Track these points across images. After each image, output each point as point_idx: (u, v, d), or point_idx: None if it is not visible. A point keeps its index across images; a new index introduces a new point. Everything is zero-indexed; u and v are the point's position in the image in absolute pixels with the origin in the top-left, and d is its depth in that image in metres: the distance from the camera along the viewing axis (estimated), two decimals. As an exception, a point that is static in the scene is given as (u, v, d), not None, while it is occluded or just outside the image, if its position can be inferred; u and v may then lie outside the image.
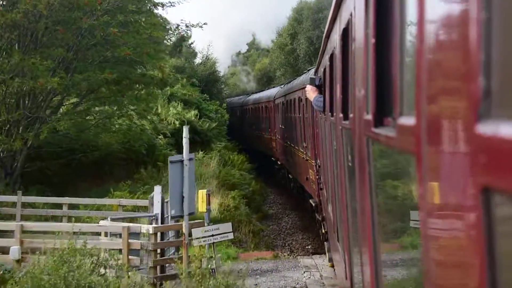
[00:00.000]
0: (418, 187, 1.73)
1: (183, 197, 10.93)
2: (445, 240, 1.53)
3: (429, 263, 1.64)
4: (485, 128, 1.17)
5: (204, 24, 27.04)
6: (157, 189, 13.66)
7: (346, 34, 4.54)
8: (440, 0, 1.53)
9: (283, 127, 25.22)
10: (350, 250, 5.00)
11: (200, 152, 25.17)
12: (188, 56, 45.04)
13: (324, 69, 9.00)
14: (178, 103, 29.47)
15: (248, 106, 40.52)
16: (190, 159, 11.17)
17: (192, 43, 48.86)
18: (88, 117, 22.68)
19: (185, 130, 11.49)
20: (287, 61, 49.13)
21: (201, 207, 12.63)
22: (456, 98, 1.38)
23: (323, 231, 12.44)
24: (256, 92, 43.74)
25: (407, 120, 1.93)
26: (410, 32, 2.02)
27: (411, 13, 1.97)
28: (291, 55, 48.42)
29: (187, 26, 27.18)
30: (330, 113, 7.46)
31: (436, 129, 1.54)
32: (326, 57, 8.12)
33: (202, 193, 12.78)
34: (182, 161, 11.11)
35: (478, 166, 1.21)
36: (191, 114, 29.68)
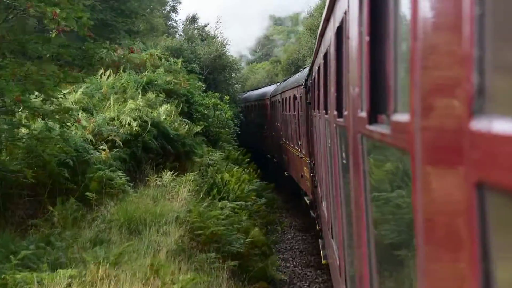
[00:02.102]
0: (412, 184, 1.74)
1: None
2: (440, 236, 1.54)
3: (424, 260, 1.65)
4: (479, 125, 1.18)
5: None
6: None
7: (340, 32, 4.56)
8: (434, -2, 1.54)
9: (279, 125, 25.25)
10: (344, 247, 5.02)
11: (168, 174, 14.55)
12: (191, 38, 36.67)
13: (319, 67, 9.02)
14: (156, 94, 18.82)
15: (247, 103, 37.59)
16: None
17: (205, 26, 41.06)
18: None
19: None
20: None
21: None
22: (449, 95, 1.39)
23: (318, 228, 12.45)
24: (252, 90, 42.02)
25: (401, 117, 1.93)
26: (404, 29, 2.03)
27: (405, 11, 1.98)
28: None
29: None
30: (324, 111, 7.48)
31: (430, 125, 1.55)
32: (321, 55, 8.14)
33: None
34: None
35: (472, 162, 1.22)
36: (161, 110, 17.57)
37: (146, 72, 20.79)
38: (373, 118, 2.60)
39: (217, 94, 28.05)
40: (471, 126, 1.21)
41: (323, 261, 10.26)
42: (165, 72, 22.57)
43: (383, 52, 2.42)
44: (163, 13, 41.51)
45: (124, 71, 19.49)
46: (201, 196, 14.09)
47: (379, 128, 2.43)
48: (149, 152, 15.25)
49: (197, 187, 14.69)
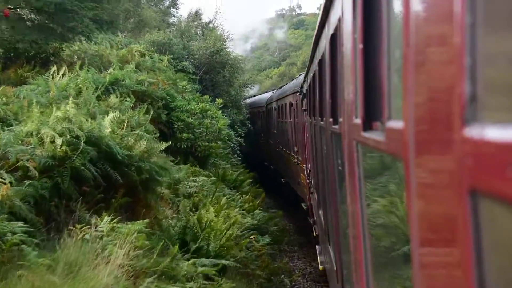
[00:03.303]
0: (406, 190, 1.75)
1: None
2: (434, 243, 1.55)
3: (419, 266, 1.66)
4: (471, 132, 1.19)
5: None
6: None
7: (334, 39, 4.57)
8: (426, 6, 1.56)
9: (275, 131, 25.28)
10: (341, 254, 5.02)
11: (105, 219, 8.80)
12: (185, 32, 30.52)
13: (314, 74, 9.04)
14: (123, 97, 14.47)
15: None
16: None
17: (209, 22, 33.93)
18: None
19: None
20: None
21: None
22: (442, 103, 1.40)
23: (314, 234, 12.45)
24: (250, 97, 40.70)
25: (396, 124, 1.94)
26: (397, 37, 2.04)
27: (398, 19, 1.99)
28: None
29: None
30: (320, 118, 7.50)
31: (423, 133, 1.55)
32: (316, 62, 8.16)
33: None
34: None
35: (465, 169, 1.23)
36: (107, 120, 11.36)
37: (111, 69, 15.98)
38: (367, 125, 2.61)
39: (206, 97, 20.92)
40: (464, 133, 1.22)
41: (320, 267, 10.25)
42: (144, 69, 17.96)
43: (377, 59, 2.43)
44: (161, 8, 37.35)
45: (81, 68, 15.16)
46: (153, 258, 8.41)
47: (374, 135, 2.44)
48: (82, 184, 9.57)
49: (147, 243, 8.69)
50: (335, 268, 6.05)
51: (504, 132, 1.04)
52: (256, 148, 32.06)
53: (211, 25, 33.37)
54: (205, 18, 34.93)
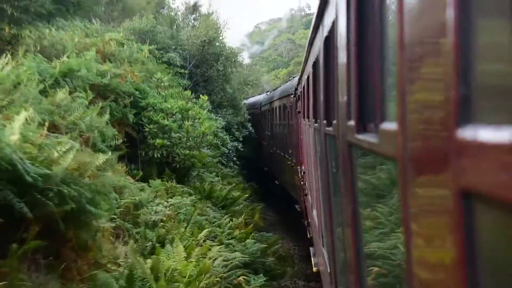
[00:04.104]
0: (400, 192, 1.75)
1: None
2: (427, 245, 1.55)
3: (411, 268, 1.66)
4: (465, 133, 1.19)
5: None
6: None
7: (328, 41, 4.58)
8: (420, 8, 1.56)
9: (269, 134, 25.28)
10: (335, 256, 5.02)
11: None
12: (174, 20, 26.59)
13: (308, 76, 9.06)
14: (79, 92, 11.76)
15: None
16: None
17: (210, 14, 28.34)
18: None
19: None
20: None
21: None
22: (436, 104, 1.41)
23: (309, 236, 12.46)
24: (250, 96, 39.81)
25: (389, 126, 1.95)
26: (391, 38, 2.04)
27: (392, 21, 2.00)
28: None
29: None
30: (314, 120, 7.51)
31: (417, 134, 1.56)
32: (310, 64, 8.17)
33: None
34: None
35: (458, 171, 1.23)
36: (16, 122, 7.31)
37: (65, 57, 12.76)
38: (361, 127, 2.62)
39: (188, 93, 17.30)
40: (458, 134, 1.22)
41: (314, 269, 10.26)
42: (119, 61, 14.76)
43: (370, 61, 2.44)
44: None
45: (25, 55, 12.34)
46: None
47: (368, 137, 2.44)
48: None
49: None
50: (328, 270, 6.05)
51: (498, 134, 1.04)
52: (249, 149, 31.99)
53: (205, 11, 28.56)
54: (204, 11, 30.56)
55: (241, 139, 24.37)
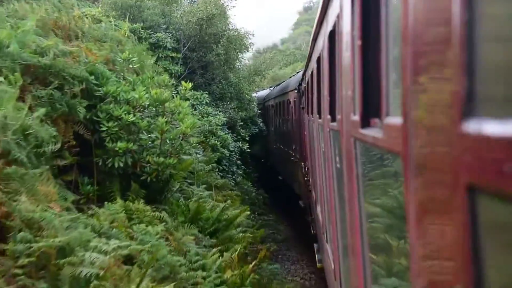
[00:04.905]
0: (405, 186, 1.75)
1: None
2: (432, 239, 1.55)
3: (416, 263, 1.66)
4: (469, 127, 1.19)
5: None
6: None
7: (332, 36, 4.57)
8: (424, 2, 1.56)
9: (272, 129, 25.28)
10: (339, 251, 5.02)
11: None
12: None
13: (312, 72, 9.05)
14: (5, 75, 7.86)
15: None
16: None
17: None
18: None
19: None
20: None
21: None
22: (441, 98, 1.40)
23: (312, 232, 12.47)
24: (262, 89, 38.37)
25: (394, 120, 1.94)
26: (396, 33, 2.04)
27: (396, 15, 1.99)
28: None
29: None
30: (318, 115, 7.50)
31: (422, 128, 1.56)
32: (314, 60, 8.16)
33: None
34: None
35: (463, 164, 1.23)
36: None
37: None
38: (366, 121, 2.61)
39: (164, 77, 12.11)
40: (462, 128, 1.22)
41: (318, 265, 10.27)
42: (90, 40, 11.55)
43: (375, 55, 2.43)
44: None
45: None
46: None
47: (372, 132, 2.44)
48: None
49: None
50: (333, 266, 6.05)
51: (502, 127, 1.04)
52: (255, 146, 31.93)
53: None
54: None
55: (247, 137, 20.74)
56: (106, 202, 8.92)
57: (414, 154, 1.62)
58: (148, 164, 9.89)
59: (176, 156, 10.34)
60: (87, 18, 13.27)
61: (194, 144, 12.80)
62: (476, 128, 1.16)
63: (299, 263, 15.36)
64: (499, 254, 1.19)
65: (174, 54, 18.73)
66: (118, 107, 9.78)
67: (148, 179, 9.85)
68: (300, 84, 15.38)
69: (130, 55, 11.66)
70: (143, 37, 17.85)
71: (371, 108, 2.55)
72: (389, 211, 2.52)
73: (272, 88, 28.94)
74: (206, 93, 18.51)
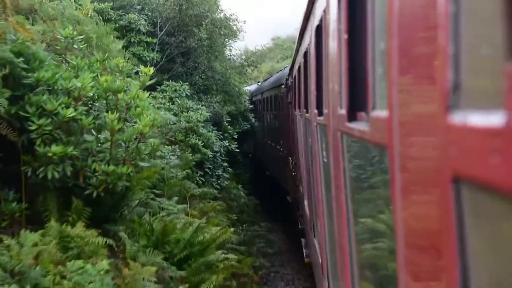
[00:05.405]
0: (391, 178, 1.76)
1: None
2: (419, 231, 1.56)
3: (402, 253, 1.67)
4: (455, 119, 1.20)
5: None
6: None
7: (319, 31, 4.58)
8: (410, -5, 1.56)
9: (260, 124, 25.30)
10: (326, 245, 5.04)
11: None
12: None
13: (299, 66, 9.05)
14: None
15: None
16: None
17: None
18: None
19: None
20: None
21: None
22: (426, 91, 1.41)
23: (300, 227, 12.50)
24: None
25: (380, 113, 1.95)
26: (381, 27, 2.04)
27: (382, 9, 2.00)
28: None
29: None
30: (305, 110, 7.51)
31: (408, 121, 1.56)
32: (301, 54, 8.17)
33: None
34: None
35: (449, 156, 1.24)
36: None
37: None
38: (352, 115, 2.62)
39: (118, 61, 9.22)
40: (447, 121, 1.22)
41: (306, 260, 10.29)
42: (41, 18, 9.68)
43: (361, 49, 2.44)
44: None
45: None
46: None
47: (359, 125, 2.45)
48: None
49: None
50: (320, 261, 6.07)
51: (487, 118, 1.04)
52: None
53: None
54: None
55: (235, 135, 18.33)
56: (25, 230, 6.43)
57: (399, 146, 1.63)
58: (95, 174, 7.49)
59: (132, 163, 7.88)
60: None
61: (165, 147, 11.08)
62: (461, 120, 1.16)
63: (294, 284, 13.13)
64: (485, 246, 1.20)
65: (149, 39, 16.49)
66: (54, 99, 7.34)
67: (95, 193, 7.40)
68: (287, 79, 15.40)
69: (75, 32, 8.93)
70: (113, 18, 15.70)
71: (357, 102, 2.55)
72: (376, 204, 2.53)
73: (259, 83, 28.94)
74: (186, 84, 16.21)
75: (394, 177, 1.70)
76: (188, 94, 16.02)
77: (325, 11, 3.81)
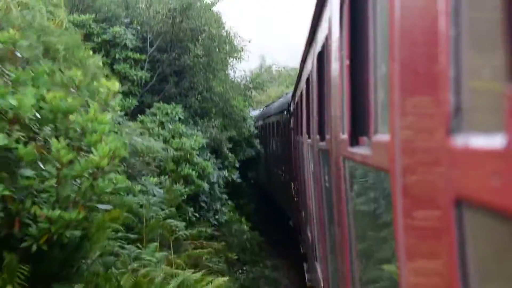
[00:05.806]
0: (393, 202, 1.76)
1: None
2: (421, 253, 1.56)
3: (405, 278, 1.66)
4: (456, 143, 1.21)
5: None
6: None
7: (321, 57, 4.62)
8: (411, 22, 1.58)
9: (262, 150, 25.30)
10: (329, 270, 5.01)
11: None
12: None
13: (301, 92, 9.10)
14: None
15: None
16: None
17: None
18: None
19: None
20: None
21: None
22: (428, 114, 1.42)
23: (302, 251, 12.43)
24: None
25: (382, 138, 1.96)
26: (383, 52, 2.07)
27: (384, 35, 2.02)
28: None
29: None
30: (307, 136, 7.53)
31: (410, 145, 1.57)
32: (303, 80, 8.22)
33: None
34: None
35: (450, 180, 1.24)
36: None
37: None
38: (354, 140, 2.63)
39: (74, 73, 6.67)
40: (449, 144, 1.23)
41: (308, 284, 10.22)
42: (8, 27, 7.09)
43: (363, 75, 2.46)
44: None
45: None
46: None
47: (361, 150, 2.46)
48: None
49: None
50: (322, 285, 6.03)
51: (488, 141, 1.05)
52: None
53: None
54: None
55: (237, 165, 16.37)
56: None
57: (401, 170, 1.64)
58: (36, 221, 5.58)
59: (85, 206, 5.96)
60: (12, 4, 9.15)
61: (150, 178, 9.56)
62: (463, 143, 1.17)
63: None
64: (487, 269, 1.20)
65: (136, 56, 14.34)
66: None
67: (34, 246, 5.51)
68: (289, 105, 15.45)
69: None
70: (95, 32, 13.96)
71: (359, 127, 2.57)
72: (378, 227, 2.52)
73: (261, 109, 29.05)
74: (180, 107, 14.27)
75: (396, 201, 1.70)
76: (182, 117, 14.19)
77: (327, 38, 3.85)
